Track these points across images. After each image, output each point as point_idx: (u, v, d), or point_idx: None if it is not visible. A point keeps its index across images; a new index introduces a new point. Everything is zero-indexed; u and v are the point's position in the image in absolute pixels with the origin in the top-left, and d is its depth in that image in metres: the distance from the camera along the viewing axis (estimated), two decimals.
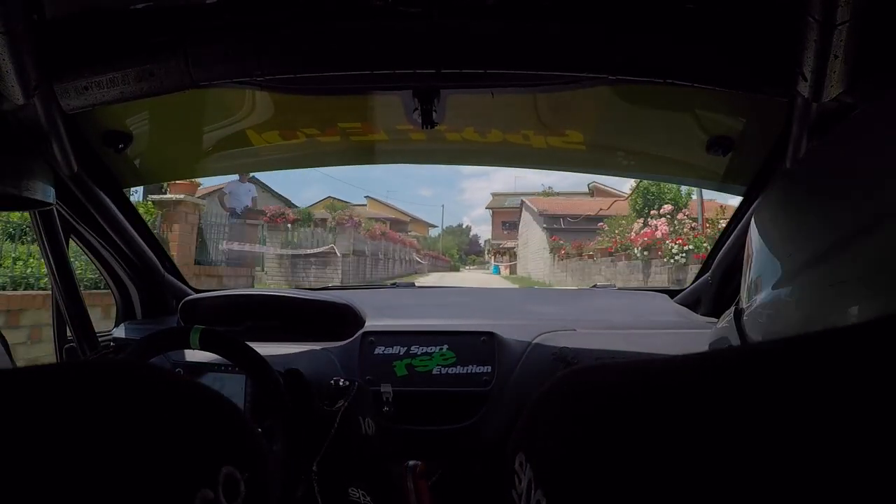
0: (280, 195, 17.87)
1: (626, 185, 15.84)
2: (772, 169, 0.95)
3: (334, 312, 1.18)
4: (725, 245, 1.15)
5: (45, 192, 0.86)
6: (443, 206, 78.69)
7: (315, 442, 0.87)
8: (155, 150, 1.15)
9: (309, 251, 10.84)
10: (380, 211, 26.76)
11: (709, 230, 7.65)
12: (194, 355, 1.09)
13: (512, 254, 26.35)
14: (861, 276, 0.33)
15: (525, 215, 22.11)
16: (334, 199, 22.16)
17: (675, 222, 8.47)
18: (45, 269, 1.07)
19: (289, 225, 11.15)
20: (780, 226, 0.45)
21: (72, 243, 1.10)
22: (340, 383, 1.00)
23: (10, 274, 3.13)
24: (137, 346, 0.87)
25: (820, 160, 0.45)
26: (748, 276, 0.49)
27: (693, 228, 8.11)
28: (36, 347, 2.81)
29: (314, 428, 0.87)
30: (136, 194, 5.34)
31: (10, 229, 3.44)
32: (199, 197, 5.88)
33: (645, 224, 9.23)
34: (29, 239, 3.39)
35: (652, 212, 9.48)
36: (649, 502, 0.19)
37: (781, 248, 0.43)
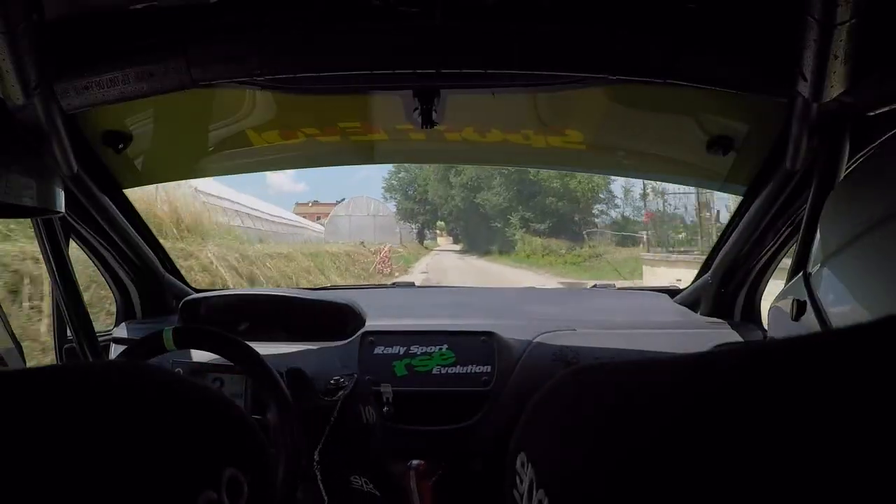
0: None
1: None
2: (772, 169, 0.95)
3: (335, 312, 1.18)
4: (726, 245, 1.15)
5: (58, 202, 0.87)
6: None
7: (316, 432, 0.87)
8: (155, 150, 1.15)
9: None
10: None
11: None
12: (196, 355, 1.09)
13: None
14: None
15: None
16: None
17: None
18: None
19: None
20: (851, 198, 0.51)
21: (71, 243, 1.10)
22: (341, 382, 1.00)
23: None
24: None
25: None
26: (818, 243, 0.56)
27: None
28: None
29: (314, 417, 0.86)
30: None
31: None
32: None
33: None
34: None
35: None
36: (652, 502, 0.19)
37: (848, 217, 0.49)
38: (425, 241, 30.37)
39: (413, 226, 29.29)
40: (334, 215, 26.41)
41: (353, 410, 0.87)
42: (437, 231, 32.28)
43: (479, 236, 24.93)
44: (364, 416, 0.89)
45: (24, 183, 0.79)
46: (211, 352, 0.87)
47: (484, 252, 23.42)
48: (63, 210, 0.89)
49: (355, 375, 0.92)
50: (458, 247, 28.37)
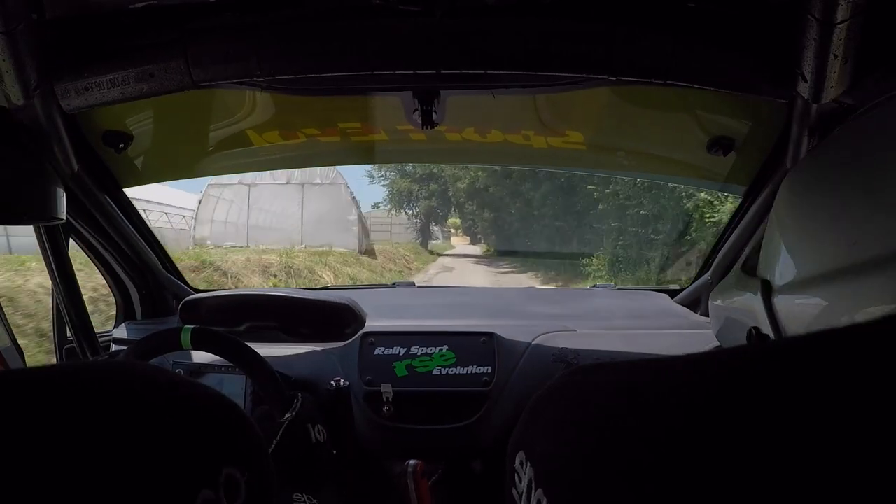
0: None
1: None
2: (772, 169, 0.95)
3: (335, 312, 1.18)
4: (726, 245, 1.15)
5: (59, 210, 0.88)
6: None
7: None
8: (155, 150, 1.15)
9: None
10: None
11: None
12: (196, 356, 1.09)
13: None
14: None
15: None
16: None
17: None
18: None
19: None
20: (837, 205, 0.37)
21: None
22: (341, 384, 1.00)
23: None
24: (129, 354, 0.86)
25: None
26: (782, 249, 0.42)
27: None
28: None
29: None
30: None
31: None
32: None
33: None
34: None
35: None
36: (650, 502, 0.19)
37: (840, 234, 0.36)
38: (431, 243, 19.38)
39: (413, 218, 18.62)
40: (215, 185, 11.40)
41: (302, 431, 0.85)
42: (451, 230, 21.88)
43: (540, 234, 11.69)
44: (313, 436, 0.87)
45: (25, 198, 0.80)
46: (222, 357, 0.87)
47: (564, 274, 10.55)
48: (64, 217, 0.89)
49: (300, 395, 0.87)
50: (479, 249, 18.30)
